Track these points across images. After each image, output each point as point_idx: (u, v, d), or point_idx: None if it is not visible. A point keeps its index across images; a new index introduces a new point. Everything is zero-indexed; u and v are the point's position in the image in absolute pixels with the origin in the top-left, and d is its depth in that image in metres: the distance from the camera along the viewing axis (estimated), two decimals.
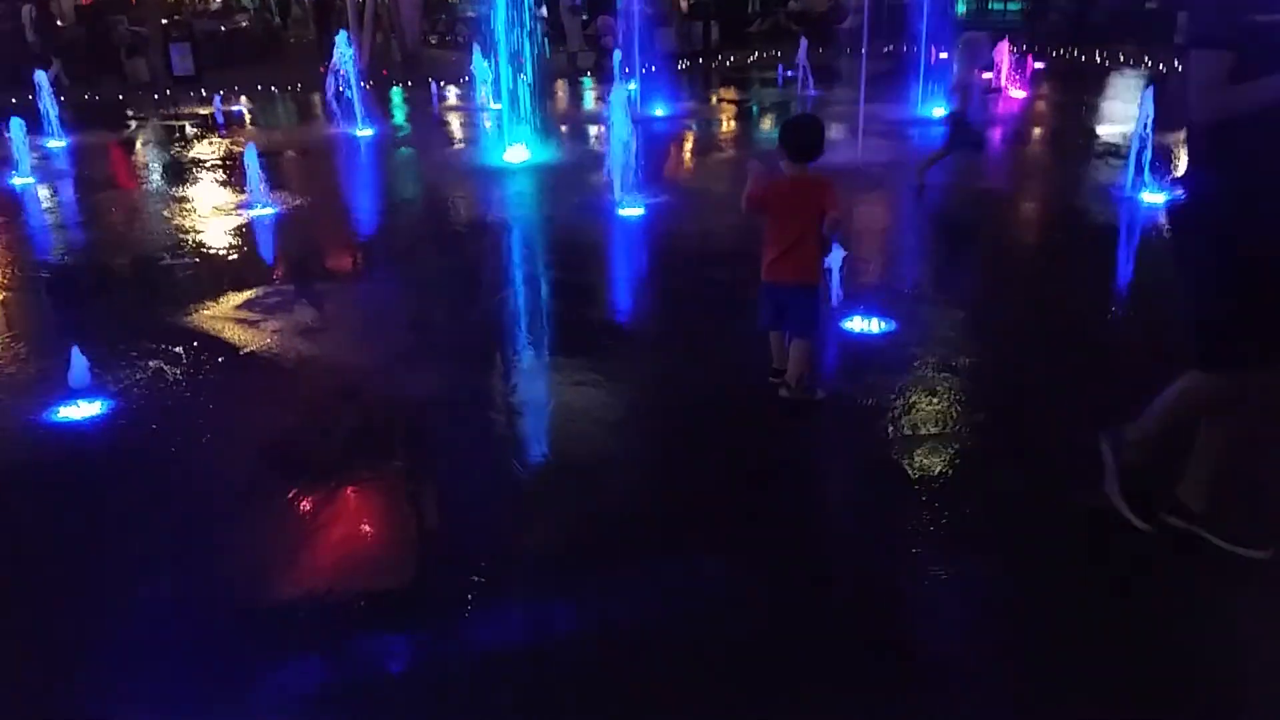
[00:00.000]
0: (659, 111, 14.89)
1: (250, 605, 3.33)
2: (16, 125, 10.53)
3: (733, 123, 15.05)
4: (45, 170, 11.14)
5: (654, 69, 16.31)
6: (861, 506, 3.92)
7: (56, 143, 12.68)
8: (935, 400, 4.69)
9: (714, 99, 17.55)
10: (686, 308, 6.34)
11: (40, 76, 12.73)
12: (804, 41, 16.82)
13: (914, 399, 4.70)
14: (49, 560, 3.63)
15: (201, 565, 3.57)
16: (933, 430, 4.40)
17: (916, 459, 4.15)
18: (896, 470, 4.07)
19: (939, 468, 4.08)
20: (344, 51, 12.81)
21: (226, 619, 3.26)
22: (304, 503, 3.96)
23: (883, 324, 5.64)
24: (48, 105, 12.71)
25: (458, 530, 3.82)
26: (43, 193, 10.31)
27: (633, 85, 15.58)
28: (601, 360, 5.36)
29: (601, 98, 8.77)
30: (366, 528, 3.90)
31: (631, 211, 8.44)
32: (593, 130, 13.50)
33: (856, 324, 5.64)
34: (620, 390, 5.00)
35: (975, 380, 4.99)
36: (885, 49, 16.91)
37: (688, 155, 12.81)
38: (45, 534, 3.85)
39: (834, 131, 12.79)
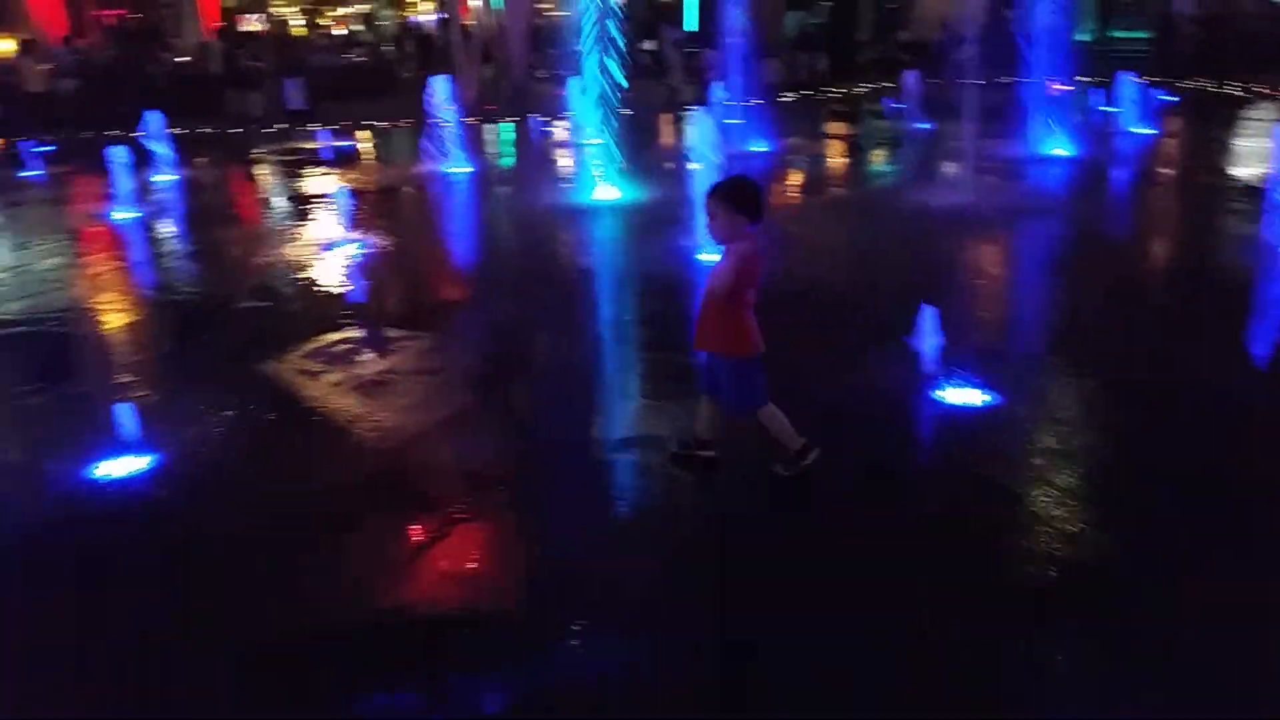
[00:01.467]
0: (759, 147, 14.43)
1: (284, 664, 3.24)
2: (121, 160, 10.75)
3: (837, 158, 14.51)
4: (149, 205, 11.35)
5: (757, 102, 15.89)
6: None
7: (165, 176, 12.98)
8: (1039, 490, 4.11)
9: (818, 133, 17.03)
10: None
11: (156, 114, 13.06)
12: (912, 73, 16.17)
13: (1010, 484, 4.13)
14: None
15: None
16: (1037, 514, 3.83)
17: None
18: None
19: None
20: (440, 88, 12.75)
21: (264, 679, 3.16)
22: (331, 571, 3.76)
23: (986, 395, 5.06)
24: (158, 140, 13.03)
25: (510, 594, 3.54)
26: (140, 229, 10.47)
27: (733, 119, 15.21)
28: (668, 418, 4.97)
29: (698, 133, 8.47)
30: (391, 594, 3.56)
31: (714, 256, 7.98)
32: (684, 168, 13.13)
33: (953, 394, 5.08)
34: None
35: (1090, 464, 4.38)
36: (1001, 80, 16.10)
37: (787, 194, 12.32)
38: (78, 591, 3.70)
39: (944, 169, 12.17)
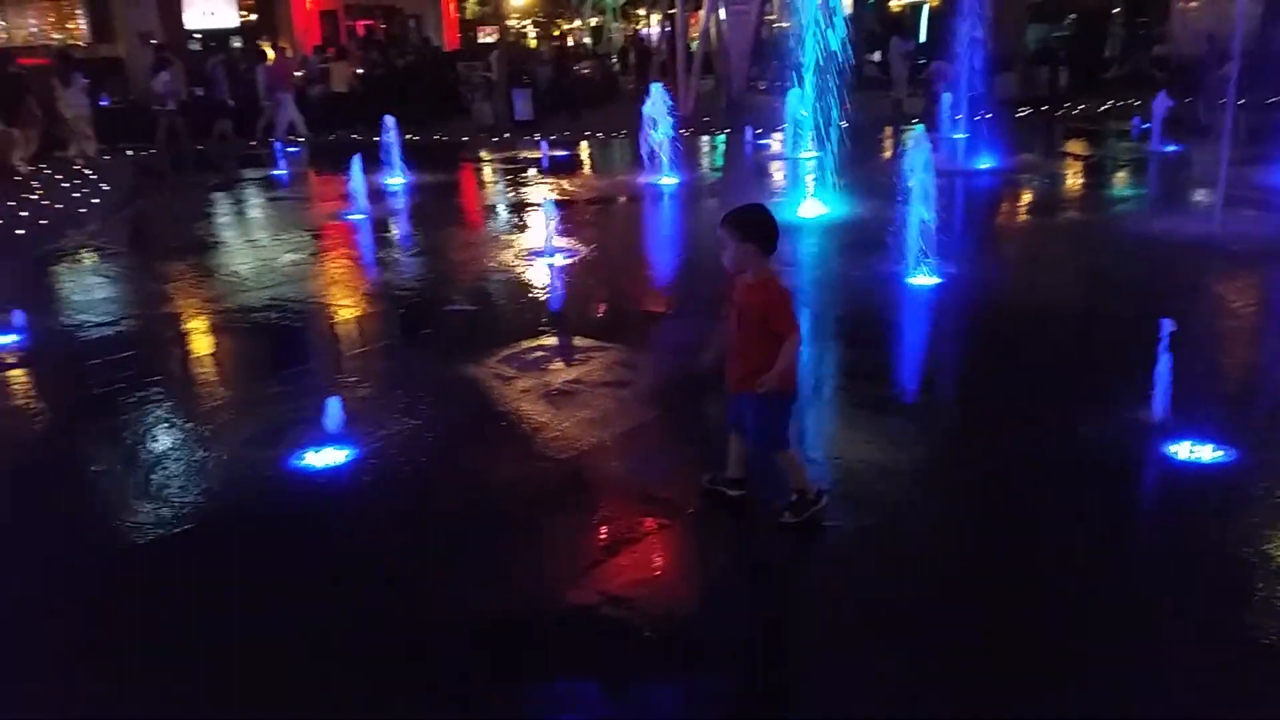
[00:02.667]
0: (986, 165, 13.71)
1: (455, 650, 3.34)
2: (356, 165, 11.47)
3: (1072, 180, 13.55)
4: (379, 207, 12.06)
5: (988, 117, 15.12)
6: None
7: (396, 180, 13.78)
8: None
9: (1053, 152, 16.01)
10: (961, 399, 5.52)
11: (389, 119, 13.93)
12: (1162, 91, 14.87)
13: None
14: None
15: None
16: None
17: None
18: None
19: None
20: (657, 99, 12.86)
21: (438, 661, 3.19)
22: (504, 570, 3.82)
23: (1221, 451, 4.48)
24: (392, 145, 13.86)
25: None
26: (369, 229, 11.14)
27: (960, 134, 14.55)
28: (854, 445, 4.75)
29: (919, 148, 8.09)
30: (559, 596, 3.57)
31: (923, 280, 7.60)
32: (900, 185, 12.63)
33: (1185, 449, 4.52)
34: (891, 483, 4.43)
35: None
36: (1269, 100, 14.55)
37: (1009, 217, 11.61)
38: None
39: (1193, 197, 11.12)
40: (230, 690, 3.20)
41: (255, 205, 13.41)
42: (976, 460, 4.74)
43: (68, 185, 14.28)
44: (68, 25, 23.13)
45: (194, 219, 12.15)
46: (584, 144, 18.64)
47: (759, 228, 3.83)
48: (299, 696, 3.16)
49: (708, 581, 3.85)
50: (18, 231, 11.00)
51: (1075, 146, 16.46)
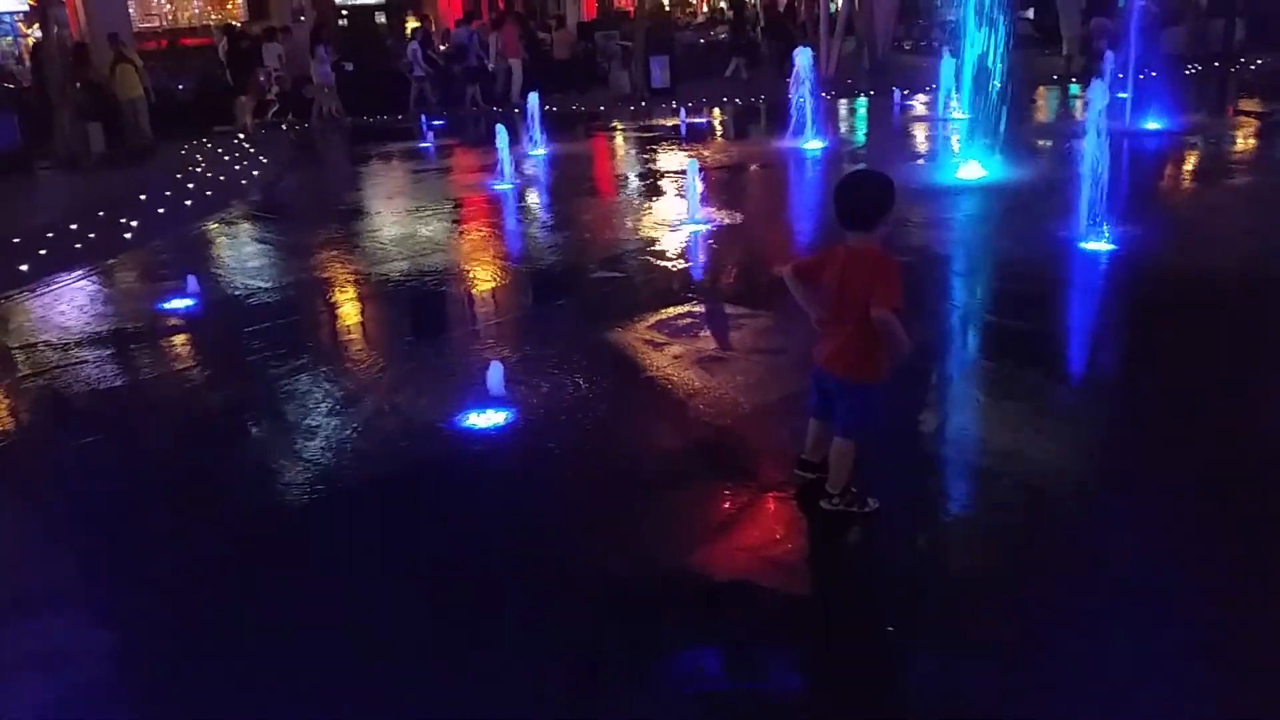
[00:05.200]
0: (1153, 125, 12.84)
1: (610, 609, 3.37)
2: (501, 135, 11.55)
3: (1249, 141, 12.55)
4: (522, 176, 12.15)
5: (1156, 74, 14.16)
6: None
7: (537, 151, 13.86)
8: None
9: (1229, 111, 14.88)
10: (1144, 371, 5.14)
11: (533, 97, 14.04)
12: None
13: None
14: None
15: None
16: None
17: None
18: None
19: None
20: (799, 62, 12.51)
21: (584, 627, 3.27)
22: (655, 529, 3.84)
23: None
24: (533, 117, 13.96)
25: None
26: (513, 199, 11.22)
27: (1124, 93, 13.66)
28: (1009, 428, 4.49)
29: (1082, 108, 7.55)
30: (702, 558, 3.51)
31: (1095, 246, 7.12)
32: (1065, 146, 11.93)
33: None
34: (1057, 459, 4.20)
35: None
36: None
37: (1182, 180, 10.83)
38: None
39: None
40: (367, 641, 3.26)
41: (413, 173, 13.73)
42: (1163, 445, 4.38)
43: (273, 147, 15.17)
44: (227, 5, 24.17)
45: (358, 186, 12.57)
46: (720, 111, 18.37)
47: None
48: (438, 645, 3.21)
49: (860, 553, 3.73)
50: (201, 194, 11.61)
51: (1256, 105, 15.26)
